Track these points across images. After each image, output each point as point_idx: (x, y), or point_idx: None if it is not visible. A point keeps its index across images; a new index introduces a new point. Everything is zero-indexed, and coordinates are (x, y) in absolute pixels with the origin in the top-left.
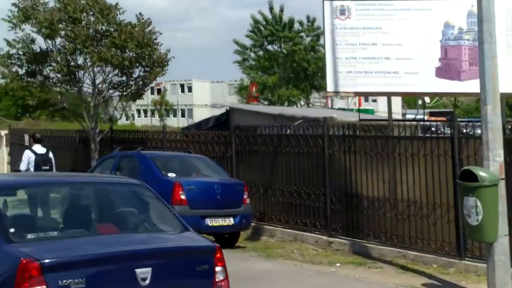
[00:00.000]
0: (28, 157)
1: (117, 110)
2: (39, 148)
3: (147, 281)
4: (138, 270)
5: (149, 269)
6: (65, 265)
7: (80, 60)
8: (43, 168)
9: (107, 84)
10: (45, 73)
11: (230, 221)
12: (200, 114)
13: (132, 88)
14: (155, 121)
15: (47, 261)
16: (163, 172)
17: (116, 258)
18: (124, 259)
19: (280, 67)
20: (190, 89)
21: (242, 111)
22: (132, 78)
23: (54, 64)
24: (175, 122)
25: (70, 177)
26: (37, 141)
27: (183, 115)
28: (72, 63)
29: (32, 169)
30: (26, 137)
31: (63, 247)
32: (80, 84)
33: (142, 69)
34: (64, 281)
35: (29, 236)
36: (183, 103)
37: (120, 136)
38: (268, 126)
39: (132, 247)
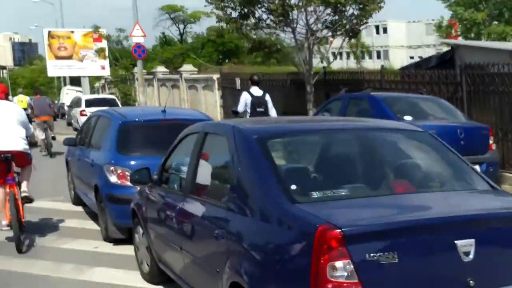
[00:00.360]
0: (245, 99)
1: (325, 52)
2: (256, 90)
3: (471, 256)
4: (459, 242)
5: (472, 241)
6: (372, 235)
7: (293, 0)
8: (257, 110)
9: (320, 24)
10: (257, 14)
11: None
12: (396, 56)
13: (346, 27)
14: (351, 63)
15: (349, 228)
16: (398, 115)
17: (433, 227)
18: (442, 227)
19: (489, 1)
20: (385, 30)
21: (470, 48)
22: (345, 17)
23: (268, 4)
24: (370, 64)
25: (344, 122)
26: (254, 83)
27: (378, 57)
28: (287, 2)
29: (248, 110)
30: (238, 81)
31: (362, 210)
32: (294, 25)
33: (356, 7)
34: (372, 254)
35: (315, 194)
36: (378, 45)
37: (333, 78)
38: (507, 64)
39: (450, 212)
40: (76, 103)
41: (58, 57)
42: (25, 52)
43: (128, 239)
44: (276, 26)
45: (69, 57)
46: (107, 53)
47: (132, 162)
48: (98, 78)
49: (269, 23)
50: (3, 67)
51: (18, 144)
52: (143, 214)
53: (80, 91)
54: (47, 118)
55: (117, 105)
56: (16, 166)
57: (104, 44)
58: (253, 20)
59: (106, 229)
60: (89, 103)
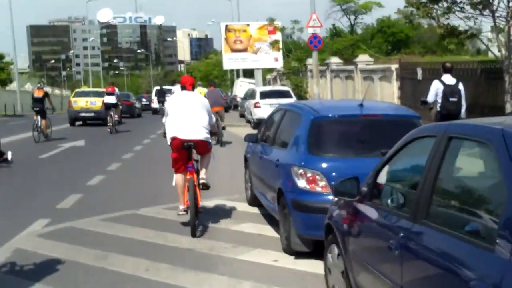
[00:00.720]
0: (436, 88)
1: None
2: (449, 79)
3: None
4: None
5: None
6: None
7: None
8: (450, 100)
9: None
10: None
11: None
12: None
13: None
14: None
15: None
16: None
17: None
18: None
19: None
20: None
21: None
22: None
23: None
24: None
25: None
26: (447, 70)
27: None
28: None
29: (439, 100)
30: (419, 71)
31: None
32: (493, 8)
33: None
34: None
35: None
36: None
37: None
38: None
39: None
40: (250, 95)
41: (233, 50)
42: (201, 47)
43: (312, 253)
44: (474, 9)
45: (244, 50)
46: (280, 45)
47: (325, 165)
48: (270, 70)
49: (463, 6)
50: (181, 61)
51: (201, 133)
52: (343, 233)
53: (253, 83)
54: (219, 109)
55: (292, 97)
56: (197, 154)
57: (278, 36)
58: (445, 4)
59: (288, 239)
60: (264, 95)
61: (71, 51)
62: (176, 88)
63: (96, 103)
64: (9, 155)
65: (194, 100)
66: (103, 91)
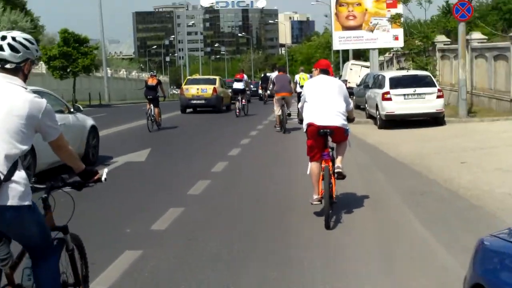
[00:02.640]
0: None
1: None
2: None
3: None
4: None
5: None
6: None
7: None
8: None
9: None
10: None
11: None
12: None
13: None
14: None
15: None
16: None
17: None
18: None
19: None
20: None
21: None
22: None
23: None
24: None
25: None
26: None
27: None
28: None
29: None
30: None
31: None
32: None
33: None
34: None
35: None
36: None
37: None
38: None
39: None
40: (375, 82)
41: (345, 28)
42: (302, 30)
43: None
44: None
45: (358, 27)
46: (402, 20)
47: None
48: (383, 51)
49: None
50: (282, 45)
51: (338, 119)
52: None
53: (367, 66)
54: (286, 95)
55: (434, 84)
56: (332, 141)
57: (399, 9)
58: None
59: None
60: (396, 83)
61: (172, 36)
62: (275, 74)
63: (207, 90)
64: (104, 174)
65: (332, 84)
66: (214, 78)
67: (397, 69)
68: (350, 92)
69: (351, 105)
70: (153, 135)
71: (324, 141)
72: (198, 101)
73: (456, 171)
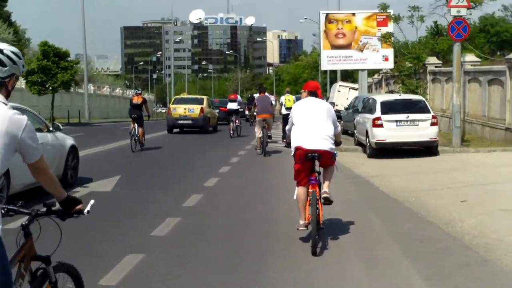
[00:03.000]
0: None
1: None
2: None
3: None
4: None
5: None
6: None
7: None
8: None
9: None
10: None
11: None
12: None
13: None
14: None
15: None
16: None
17: None
18: None
19: None
20: None
21: None
22: None
23: None
24: None
25: None
26: None
27: None
28: None
29: None
30: None
31: None
32: None
33: None
34: None
35: None
36: None
37: None
38: None
39: None
40: (364, 106)
41: (334, 46)
42: (291, 49)
43: None
44: None
45: (348, 46)
46: (393, 39)
47: None
48: (372, 73)
49: None
50: (270, 64)
51: (326, 143)
52: None
53: (355, 88)
54: (266, 116)
55: (428, 110)
56: (320, 166)
57: (390, 28)
58: None
59: None
60: (388, 108)
61: (159, 53)
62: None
63: (194, 110)
64: (88, 206)
65: (320, 107)
66: (202, 98)
67: (385, 92)
68: (338, 115)
69: (339, 128)
70: (135, 156)
71: (312, 165)
72: (185, 121)
73: (457, 211)
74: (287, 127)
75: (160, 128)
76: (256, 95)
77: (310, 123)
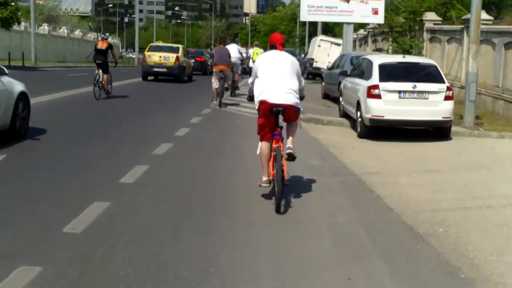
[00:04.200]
0: None
1: None
2: None
3: None
4: None
5: None
6: None
7: None
8: None
9: None
10: None
11: None
12: None
13: None
14: None
15: None
16: None
17: None
18: None
19: None
20: None
21: None
22: None
23: None
24: None
25: None
26: None
27: None
28: None
29: None
30: None
31: None
32: None
33: None
34: None
35: None
36: None
37: None
38: None
39: None
40: (356, 69)
41: None
42: (268, 1)
43: None
44: None
45: None
46: None
47: None
48: (357, 27)
49: None
50: (247, 14)
51: (291, 97)
52: None
53: (338, 44)
54: (223, 67)
55: (442, 79)
56: (284, 121)
57: None
58: None
59: None
60: (389, 73)
61: None
62: (231, 47)
63: (169, 58)
64: None
65: (284, 60)
66: (177, 47)
67: (373, 50)
68: (317, 73)
69: (303, 82)
70: (99, 103)
71: (276, 120)
72: (160, 69)
73: None
74: (249, 80)
75: (131, 76)
76: (228, 46)
77: (275, 76)
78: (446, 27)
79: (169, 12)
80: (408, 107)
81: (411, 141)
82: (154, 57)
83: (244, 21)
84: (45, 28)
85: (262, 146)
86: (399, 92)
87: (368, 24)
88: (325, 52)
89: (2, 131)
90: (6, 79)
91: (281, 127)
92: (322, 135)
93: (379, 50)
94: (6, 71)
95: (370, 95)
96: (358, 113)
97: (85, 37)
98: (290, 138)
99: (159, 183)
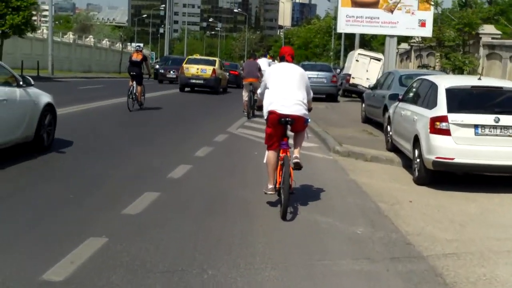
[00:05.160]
0: None
1: None
2: None
3: None
4: None
5: None
6: None
7: None
8: None
9: None
10: None
11: None
12: None
13: None
14: None
15: None
16: None
17: None
18: None
19: None
20: None
21: None
22: None
23: None
24: None
25: None
26: None
27: None
28: None
29: None
30: None
31: None
32: None
33: None
34: None
35: None
36: None
37: None
38: None
39: None
40: (411, 91)
41: (356, 4)
42: (303, 13)
43: None
44: None
45: (373, 4)
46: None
47: None
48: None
49: None
50: (281, 27)
51: (299, 108)
52: None
53: (378, 59)
54: (253, 80)
55: None
56: (291, 131)
57: None
58: None
59: None
60: (460, 101)
61: (162, 6)
62: (261, 60)
63: (206, 71)
64: None
65: (294, 72)
66: (214, 60)
67: (418, 67)
68: (354, 90)
69: (311, 94)
70: (133, 115)
71: (284, 130)
72: (197, 81)
73: None
74: (259, 91)
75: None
76: (260, 60)
77: (284, 87)
78: (508, 41)
79: (204, 24)
80: (488, 147)
81: (482, 189)
82: (192, 69)
83: (278, 33)
84: (70, 36)
85: (269, 155)
86: (476, 126)
87: (411, 37)
88: (363, 68)
89: (27, 143)
90: (32, 90)
91: (288, 137)
92: (366, 178)
93: (425, 66)
94: (32, 82)
95: (434, 129)
96: (416, 152)
97: (113, 47)
98: (298, 148)
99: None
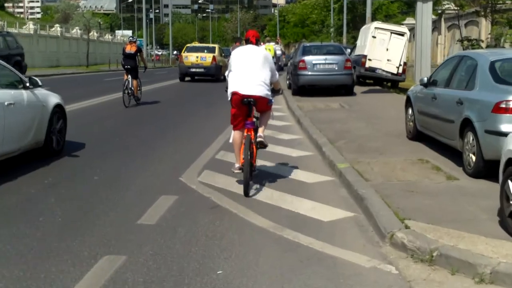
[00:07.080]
0: None
1: None
2: None
3: None
4: None
5: None
6: None
7: None
8: None
9: None
10: None
11: None
12: None
13: None
14: None
15: None
16: None
17: None
18: None
19: None
20: None
21: None
22: None
23: None
24: None
25: None
26: None
27: None
28: None
29: None
30: None
31: None
32: None
33: None
34: None
35: None
36: None
37: None
38: None
39: None
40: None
41: None
42: None
43: None
44: None
45: None
46: None
47: None
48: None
49: None
50: (275, 5)
51: (261, 89)
52: None
53: (400, 33)
54: None
55: None
56: (256, 111)
57: None
58: None
59: None
60: None
61: None
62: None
63: (206, 58)
64: None
65: (256, 54)
66: (214, 47)
67: (457, 41)
68: (371, 76)
69: (277, 76)
70: (127, 112)
71: (248, 110)
72: (197, 69)
73: None
74: (225, 73)
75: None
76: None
77: (246, 69)
78: None
79: (195, 6)
80: None
81: None
82: (191, 58)
83: (272, 11)
84: (29, 27)
85: (235, 135)
86: None
87: (440, 3)
88: (382, 46)
89: (37, 149)
90: (40, 91)
91: (256, 118)
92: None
93: (467, 40)
94: (40, 82)
95: None
96: None
97: (84, 36)
98: (262, 127)
99: None
